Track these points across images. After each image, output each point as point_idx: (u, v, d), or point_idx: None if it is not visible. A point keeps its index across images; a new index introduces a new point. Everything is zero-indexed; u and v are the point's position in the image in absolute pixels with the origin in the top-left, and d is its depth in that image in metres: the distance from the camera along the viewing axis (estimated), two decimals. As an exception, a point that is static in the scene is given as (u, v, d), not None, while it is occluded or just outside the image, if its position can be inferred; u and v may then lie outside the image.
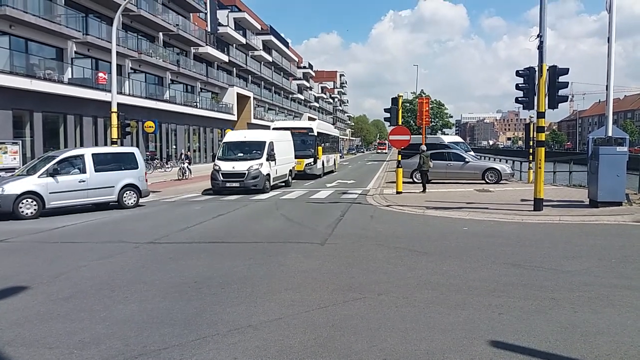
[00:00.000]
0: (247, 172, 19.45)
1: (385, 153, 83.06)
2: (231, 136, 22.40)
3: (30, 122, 25.57)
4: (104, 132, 30.44)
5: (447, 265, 7.53)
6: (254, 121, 53.11)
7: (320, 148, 28.20)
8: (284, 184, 22.85)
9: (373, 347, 4.49)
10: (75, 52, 29.33)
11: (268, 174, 20.15)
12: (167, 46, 40.20)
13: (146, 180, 16.87)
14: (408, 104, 57.92)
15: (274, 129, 27.46)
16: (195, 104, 43.04)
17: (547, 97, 12.03)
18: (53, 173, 14.43)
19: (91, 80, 29.01)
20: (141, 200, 16.66)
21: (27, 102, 24.57)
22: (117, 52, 20.72)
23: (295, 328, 4.99)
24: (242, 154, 20.70)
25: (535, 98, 12.25)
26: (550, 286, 6.27)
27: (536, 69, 12.18)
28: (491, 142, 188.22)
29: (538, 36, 11.93)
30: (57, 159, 14.84)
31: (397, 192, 17.93)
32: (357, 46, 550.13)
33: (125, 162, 16.35)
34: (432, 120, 59.38)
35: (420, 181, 21.17)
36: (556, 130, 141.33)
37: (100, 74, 29.21)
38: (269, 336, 4.80)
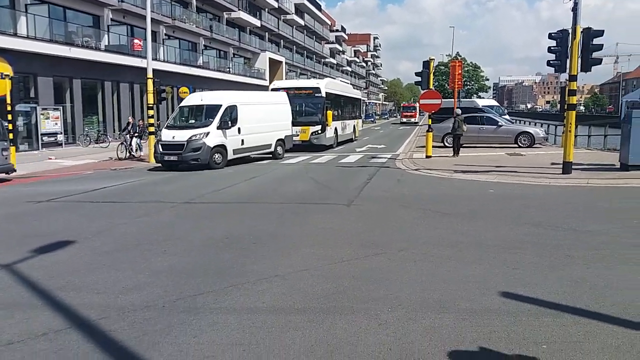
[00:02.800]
0: (186, 143, 16.07)
1: (415, 122, 60.49)
2: (188, 99, 18.90)
3: (70, 88, 26.47)
4: (140, 98, 31.24)
5: (468, 225, 7.77)
6: (286, 86, 53.24)
7: (329, 113, 23.29)
8: (271, 155, 19.60)
9: (389, 295, 4.84)
10: (111, 20, 29.92)
11: (220, 146, 16.67)
12: (200, 12, 40.43)
13: (5, 157, 14.31)
14: (443, 67, 56.94)
15: (272, 89, 23.66)
16: (228, 69, 43.43)
17: (580, 60, 11.86)
18: None
19: (127, 47, 29.63)
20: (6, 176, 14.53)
21: (66, 69, 25.38)
22: (151, 18, 21.07)
23: (318, 278, 5.39)
24: (193, 121, 17.50)
25: (568, 61, 12.08)
26: (567, 245, 6.47)
27: (569, 31, 11.97)
28: (529, 106, 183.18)
29: (572, -4, 11.69)
30: None
31: (427, 156, 18.03)
32: (394, 7, 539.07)
33: None
34: (468, 83, 58.22)
35: (451, 145, 21.21)
36: (598, 94, 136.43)
37: (136, 41, 29.79)
38: (294, 284, 5.21)
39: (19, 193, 12.47)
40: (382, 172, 14.94)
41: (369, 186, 12.12)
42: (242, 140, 17.79)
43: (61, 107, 25.07)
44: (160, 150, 16.57)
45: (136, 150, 21.07)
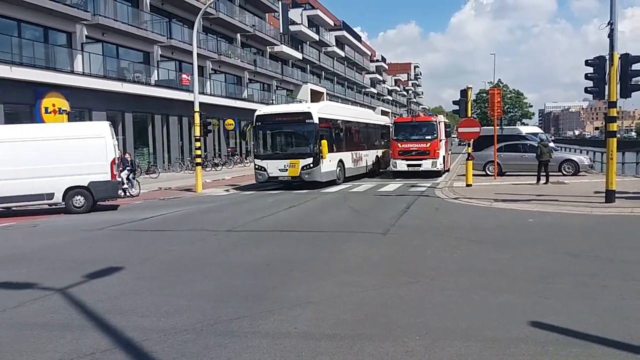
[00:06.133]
0: None
1: (435, 171, 22.64)
2: None
3: (122, 121, 27.82)
4: (188, 130, 32.44)
5: (503, 254, 7.77)
6: (327, 116, 54.03)
7: (324, 142, 19.08)
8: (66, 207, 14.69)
9: (417, 322, 4.96)
10: (161, 56, 31.45)
11: None
12: (244, 46, 41.92)
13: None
14: (485, 94, 56.62)
15: (257, 115, 20.34)
16: (271, 101, 44.56)
17: (619, 86, 11.74)
18: None
19: (175, 82, 31.01)
20: None
21: (118, 104, 26.77)
22: (198, 54, 22.09)
23: (349, 305, 5.56)
24: None
25: (606, 87, 11.98)
26: (603, 275, 6.40)
27: (607, 57, 11.90)
28: (577, 133, 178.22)
29: (609, 24, 11.65)
30: None
31: (467, 185, 17.93)
32: (436, 36, 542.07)
33: None
34: (511, 110, 57.59)
35: (492, 173, 21.02)
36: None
37: (184, 76, 31.15)
38: (326, 311, 5.40)
39: (74, 222, 13.21)
40: (421, 200, 14.98)
41: (406, 215, 12.21)
42: None
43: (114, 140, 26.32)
44: None
45: (130, 187, 18.63)
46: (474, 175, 18.76)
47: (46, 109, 22.03)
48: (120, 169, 18.11)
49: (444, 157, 23.43)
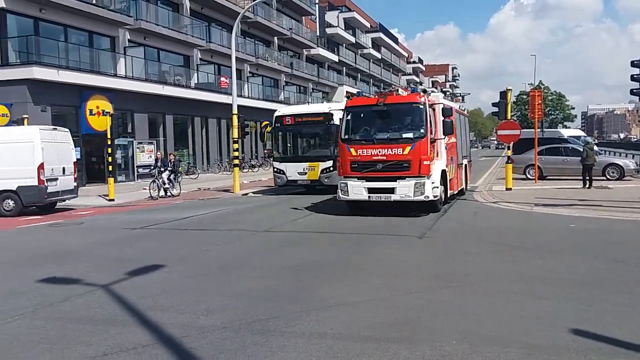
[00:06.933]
0: None
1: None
2: None
3: (163, 123, 28.52)
4: (226, 132, 32.98)
5: (544, 260, 7.58)
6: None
7: None
8: None
9: (456, 327, 4.89)
10: (200, 59, 32.08)
11: None
12: (281, 49, 42.33)
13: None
14: (525, 96, 55.42)
15: (276, 116, 19.40)
16: (307, 103, 44.80)
17: (668, 88, 11.34)
18: None
19: (214, 85, 31.60)
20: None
21: (159, 106, 27.44)
22: (236, 57, 22.42)
23: (384, 308, 5.55)
24: None
25: (655, 89, 11.59)
26: (649, 283, 6.19)
27: (655, 58, 11.52)
28: (622, 136, 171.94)
29: (658, 23, 11.27)
30: None
31: (507, 189, 17.57)
32: (475, 37, 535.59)
33: None
34: (552, 112, 56.20)
35: (533, 177, 20.54)
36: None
37: (222, 79, 31.72)
38: (360, 313, 5.40)
39: (116, 221, 13.61)
40: (458, 204, 14.76)
41: (443, 218, 12.06)
42: None
43: (155, 141, 27.03)
44: None
45: (171, 187, 19.09)
46: (514, 179, 18.39)
47: (90, 110, 22.81)
48: (162, 169, 19.01)
49: (443, 172, 12.97)
